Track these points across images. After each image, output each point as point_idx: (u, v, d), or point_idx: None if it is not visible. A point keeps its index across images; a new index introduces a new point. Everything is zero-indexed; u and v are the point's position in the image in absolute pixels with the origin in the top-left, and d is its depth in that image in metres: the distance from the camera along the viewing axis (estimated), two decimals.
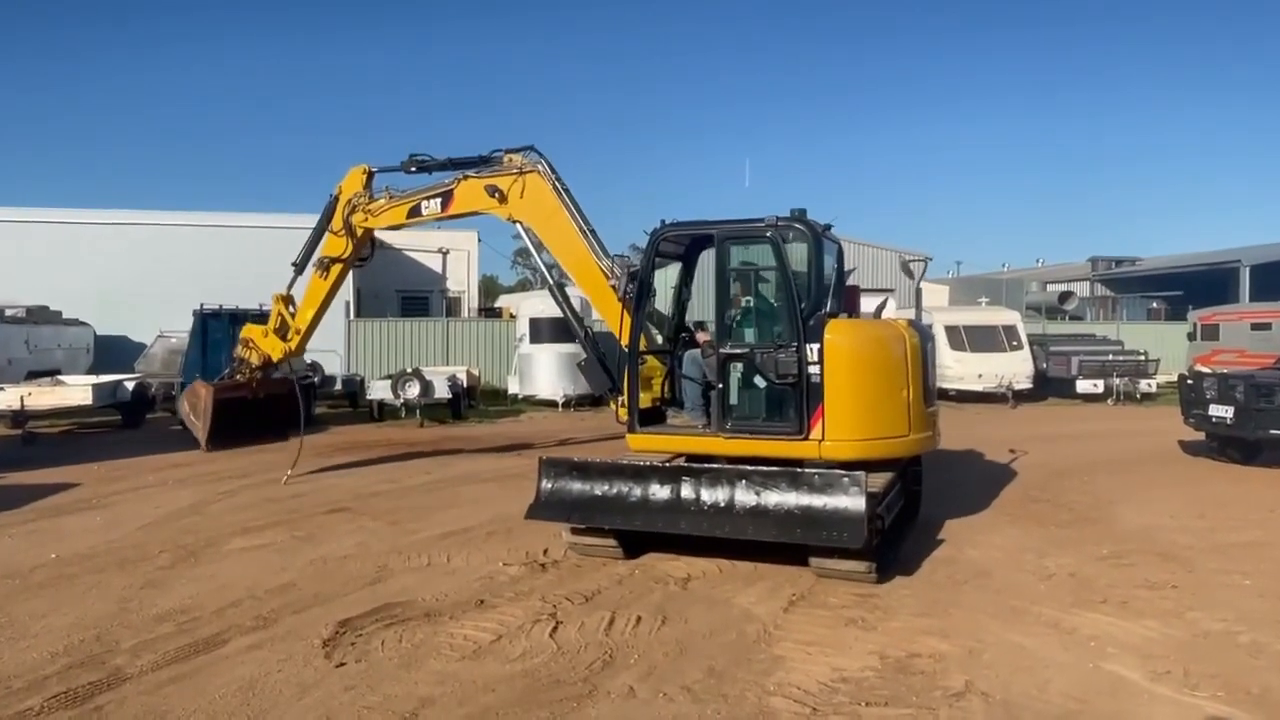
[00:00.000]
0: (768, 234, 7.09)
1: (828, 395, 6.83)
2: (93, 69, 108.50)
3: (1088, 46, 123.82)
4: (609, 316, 8.32)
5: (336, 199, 10.41)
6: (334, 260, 10.49)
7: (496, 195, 9.16)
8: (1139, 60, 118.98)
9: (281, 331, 10.89)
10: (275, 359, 11.05)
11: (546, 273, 9.53)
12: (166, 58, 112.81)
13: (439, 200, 9.77)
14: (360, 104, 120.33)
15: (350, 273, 11.18)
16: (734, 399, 7.33)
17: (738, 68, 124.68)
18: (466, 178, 9.51)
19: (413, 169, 9.93)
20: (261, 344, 10.97)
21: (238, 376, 11.11)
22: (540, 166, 9.01)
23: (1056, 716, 4.36)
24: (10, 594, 6.33)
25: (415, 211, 9.99)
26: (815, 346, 6.87)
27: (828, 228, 7.44)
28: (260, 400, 11.22)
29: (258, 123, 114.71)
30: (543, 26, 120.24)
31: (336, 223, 10.38)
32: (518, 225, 9.29)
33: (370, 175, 10.33)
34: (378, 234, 11.43)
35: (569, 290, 10.06)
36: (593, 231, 8.70)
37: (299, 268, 10.89)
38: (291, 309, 10.95)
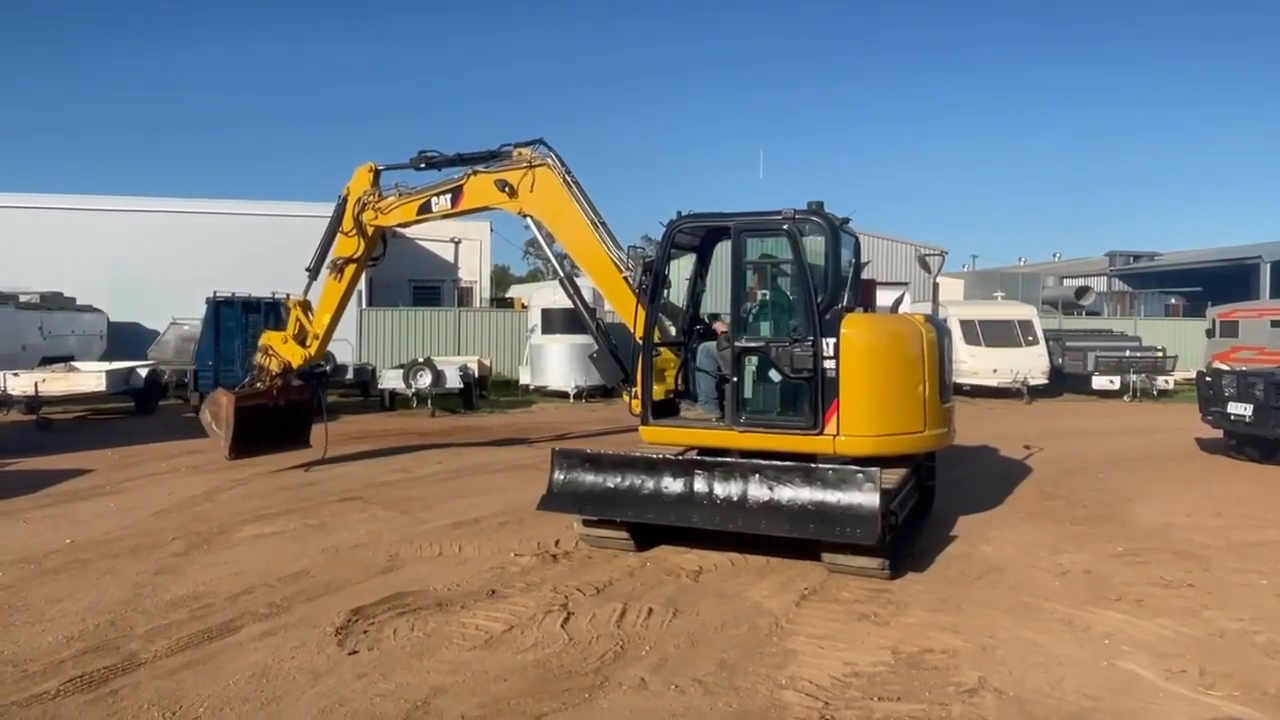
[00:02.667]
0: (785, 226, 7.04)
1: (843, 390, 6.79)
2: (109, 53, 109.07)
3: (1108, 40, 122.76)
4: (622, 308, 8.28)
5: (345, 200, 10.37)
6: (347, 261, 10.45)
7: (506, 190, 9.11)
8: (1159, 54, 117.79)
9: (300, 337, 10.82)
10: (295, 365, 10.98)
11: (557, 264, 9.49)
12: (182, 45, 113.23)
13: (449, 196, 9.72)
14: (374, 93, 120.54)
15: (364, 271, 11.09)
16: (749, 393, 7.30)
17: (752, 59, 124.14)
18: (476, 173, 9.47)
19: (422, 165, 9.89)
20: (281, 350, 10.91)
21: (258, 384, 11.02)
22: (550, 160, 8.95)
23: (1070, 714, 4.33)
24: (26, 578, 6.38)
25: (425, 208, 9.94)
26: (831, 341, 6.82)
27: (845, 221, 7.38)
28: (281, 408, 11.12)
29: (273, 111, 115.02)
30: (553, 17, 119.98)
31: (347, 223, 10.32)
32: (528, 219, 9.25)
33: (377, 173, 10.29)
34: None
35: (579, 281, 10.01)
36: (603, 223, 8.67)
37: (312, 272, 10.83)
38: (309, 315, 10.87)
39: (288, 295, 16.66)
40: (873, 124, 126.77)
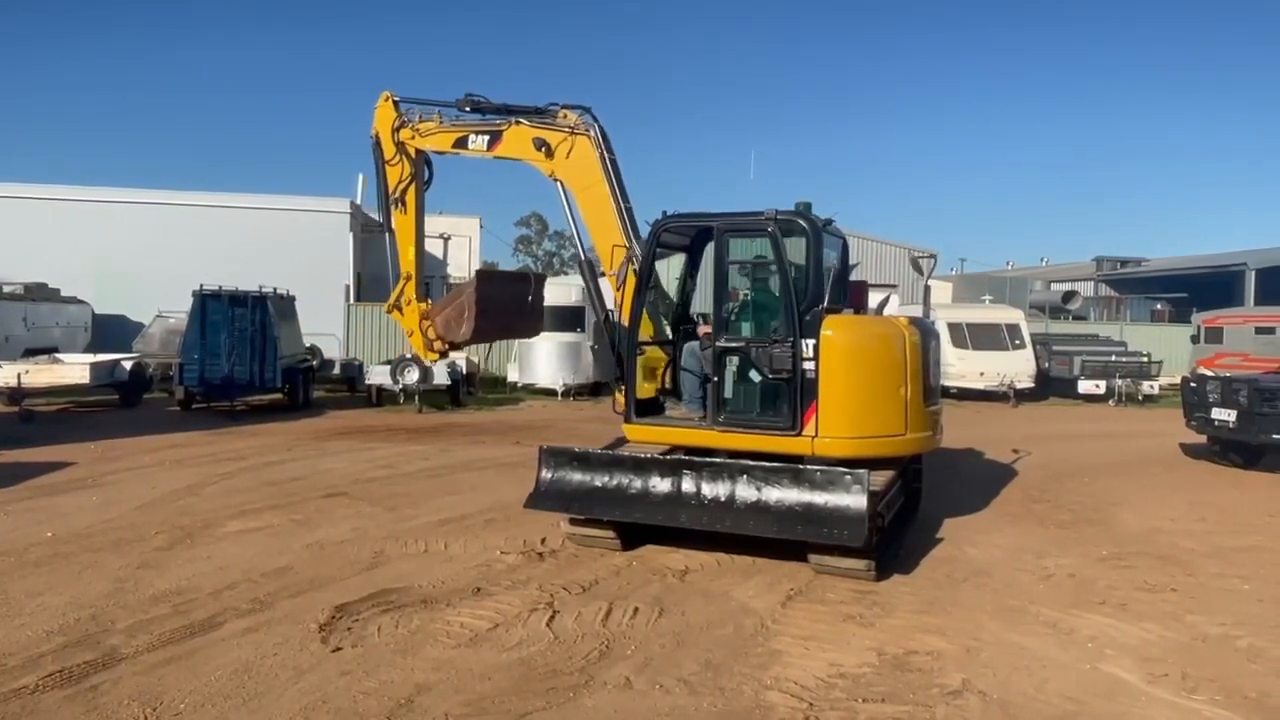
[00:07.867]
0: (767, 227, 7.02)
1: (822, 391, 6.77)
2: (96, 45, 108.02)
3: (1096, 46, 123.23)
4: (617, 300, 8.24)
5: (378, 137, 10.27)
6: (404, 187, 10.19)
7: (543, 149, 8.96)
8: (1147, 60, 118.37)
9: (403, 302, 10.32)
10: (421, 310, 10.25)
11: (580, 243, 9.32)
12: (175, 40, 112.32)
13: (487, 138, 9.58)
14: (363, 94, 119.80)
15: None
16: (729, 392, 7.28)
17: (744, 60, 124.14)
18: (518, 123, 9.41)
19: (466, 109, 9.85)
20: (404, 320, 10.35)
21: (436, 348, 10.63)
22: (592, 132, 8.78)
23: (1053, 717, 4.35)
24: (6, 572, 6.32)
25: (462, 143, 9.82)
26: (811, 342, 6.80)
27: (829, 222, 7.36)
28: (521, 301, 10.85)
29: (260, 105, 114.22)
30: (543, 19, 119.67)
31: (388, 150, 10.19)
32: (558, 184, 9.15)
33: (396, 103, 10.23)
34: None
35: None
36: (629, 210, 8.53)
37: (386, 226, 10.66)
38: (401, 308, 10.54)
39: (275, 289, 16.42)
40: (865, 127, 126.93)
